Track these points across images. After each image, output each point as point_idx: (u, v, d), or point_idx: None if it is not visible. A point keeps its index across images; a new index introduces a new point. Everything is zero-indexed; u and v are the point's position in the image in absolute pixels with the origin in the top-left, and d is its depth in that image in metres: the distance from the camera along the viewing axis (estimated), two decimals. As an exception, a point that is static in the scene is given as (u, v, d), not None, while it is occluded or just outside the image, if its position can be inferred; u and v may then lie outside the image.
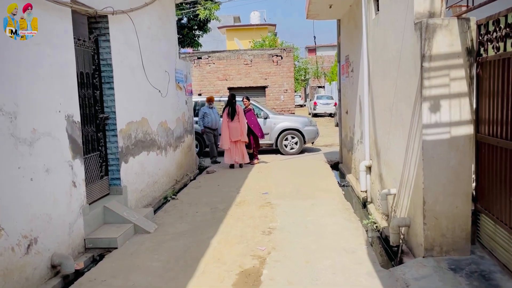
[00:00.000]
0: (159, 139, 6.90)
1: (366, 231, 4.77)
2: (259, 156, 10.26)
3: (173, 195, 6.71)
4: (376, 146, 5.31)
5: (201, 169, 9.80)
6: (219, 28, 41.06)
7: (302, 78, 34.26)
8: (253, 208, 5.77)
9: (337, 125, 20.96)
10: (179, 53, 9.01)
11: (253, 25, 37.78)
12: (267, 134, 11.31)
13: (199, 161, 10.05)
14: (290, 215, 5.32)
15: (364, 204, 5.97)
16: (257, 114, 11.14)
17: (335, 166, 9.78)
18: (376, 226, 4.90)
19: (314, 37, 11.52)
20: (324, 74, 45.22)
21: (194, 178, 8.58)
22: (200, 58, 15.05)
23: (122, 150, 5.35)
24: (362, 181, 5.80)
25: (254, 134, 9.80)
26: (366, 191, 5.86)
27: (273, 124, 11.33)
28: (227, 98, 11.78)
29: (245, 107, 9.89)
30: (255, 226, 4.92)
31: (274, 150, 11.64)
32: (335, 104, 27.98)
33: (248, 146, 9.65)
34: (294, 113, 15.19)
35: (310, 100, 33.94)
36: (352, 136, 7.61)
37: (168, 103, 7.43)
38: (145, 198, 6.09)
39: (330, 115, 28.35)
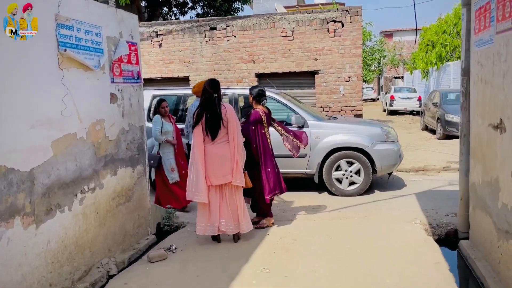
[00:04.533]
0: None
1: None
2: (276, 199, 5.40)
3: None
4: None
5: (167, 232, 5.23)
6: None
7: (376, 65, 28.38)
8: None
9: (426, 128, 15.63)
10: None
11: (317, 4, 32.87)
12: (304, 156, 6.43)
13: (165, 216, 5.44)
14: None
15: None
16: (283, 120, 6.34)
17: (447, 238, 4.69)
18: None
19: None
20: (403, 62, 39.24)
21: (114, 274, 3.95)
22: (214, 28, 10.41)
23: None
24: None
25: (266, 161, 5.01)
26: None
27: (315, 138, 6.47)
28: (236, 91, 7.05)
29: (251, 111, 5.11)
30: None
31: (316, 184, 6.76)
32: (419, 98, 22.65)
33: (248, 192, 4.89)
34: (361, 116, 10.03)
35: (386, 93, 28.19)
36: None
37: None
38: None
39: (412, 112, 22.88)
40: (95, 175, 4.00)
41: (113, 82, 4.32)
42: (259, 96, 5.02)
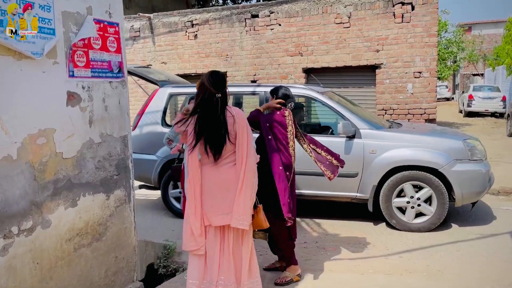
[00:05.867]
0: None
1: None
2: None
3: None
4: None
5: (161, 277, 4.02)
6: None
7: (452, 60, 25.58)
8: None
9: None
10: None
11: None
12: (354, 176, 4.96)
13: (161, 254, 4.25)
14: None
15: None
16: (327, 125, 4.95)
17: None
18: None
19: None
20: (483, 58, 35.91)
21: None
22: (256, 16, 9.10)
23: None
24: None
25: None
26: None
27: (370, 152, 4.99)
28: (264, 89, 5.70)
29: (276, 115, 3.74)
30: None
31: (371, 213, 5.28)
32: (504, 98, 20.12)
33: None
34: (434, 121, 8.26)
35: (463, 92, 25.47)
36: None
37: None
38: None
39: (494, 114, 20.38)
40: (35, 209, 2.84)
41: (72, 76, 3.14)
42: (285, 98, 3.66)
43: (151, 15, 9.77)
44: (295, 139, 3.59)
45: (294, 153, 3.51)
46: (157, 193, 6.63)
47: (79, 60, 3.19)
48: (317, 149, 3.66)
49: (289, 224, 3.45)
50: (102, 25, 3.42)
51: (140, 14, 9.80)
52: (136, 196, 7.05)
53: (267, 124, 3.57)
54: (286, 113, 3.55)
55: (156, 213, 6.20)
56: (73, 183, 3.15)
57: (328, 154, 3.65)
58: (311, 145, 3.68)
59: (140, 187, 6.37)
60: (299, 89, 5.46)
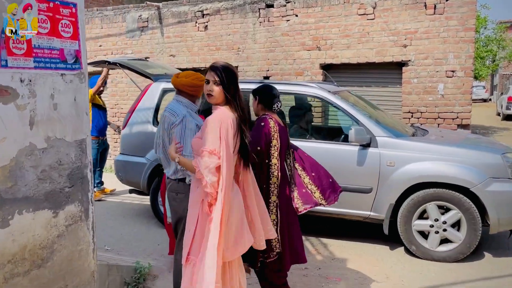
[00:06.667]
0: None
1: None
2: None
3: None
4: None
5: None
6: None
7: (491, 58, 24.09)
8: None
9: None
10: None
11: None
12: (368, 192, 4.25)
13: (131, 278, 3.66)
14: None
15: None
16: (339, 131, 4.31)
17: None
18: None
19: None
20: (525, 57, 33.93)
21: None
22: (271, 5, 8.40)
23: None
24: None
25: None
26: None
27: (387, 164, 4.27)
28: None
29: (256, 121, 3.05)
30: None
31: (386, 236, 4.56)
32: None
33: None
34: (467, 127, 7.38)
35: (501, 93, 24.03)
36: None
37: None
38: None
39: None
40: None
41: (5, 66, 2.56)
42: (270, 98, 2.99)
43: (160, 4, 9.21)
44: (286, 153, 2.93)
45: (278, 173, 2.82)
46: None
47: (16, 46, 2.61)
48: (301, 172, 2.96)
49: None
50: (52, 4, 2.83)
51: (148, 2, 9.25)
52: (128, 201, 6.62)
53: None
54: (271, 123, 2.88)
55: (146, 222, 5.64)
56: (4, 198, 2.58)
57: (314, 184, 2.94)
58: (296, 163, 2.99)
59: (131, 191, 5.86)
60: (307, 88, 4.78)
